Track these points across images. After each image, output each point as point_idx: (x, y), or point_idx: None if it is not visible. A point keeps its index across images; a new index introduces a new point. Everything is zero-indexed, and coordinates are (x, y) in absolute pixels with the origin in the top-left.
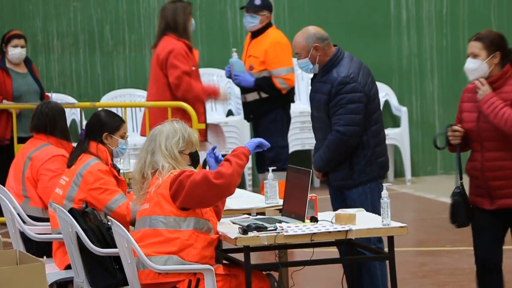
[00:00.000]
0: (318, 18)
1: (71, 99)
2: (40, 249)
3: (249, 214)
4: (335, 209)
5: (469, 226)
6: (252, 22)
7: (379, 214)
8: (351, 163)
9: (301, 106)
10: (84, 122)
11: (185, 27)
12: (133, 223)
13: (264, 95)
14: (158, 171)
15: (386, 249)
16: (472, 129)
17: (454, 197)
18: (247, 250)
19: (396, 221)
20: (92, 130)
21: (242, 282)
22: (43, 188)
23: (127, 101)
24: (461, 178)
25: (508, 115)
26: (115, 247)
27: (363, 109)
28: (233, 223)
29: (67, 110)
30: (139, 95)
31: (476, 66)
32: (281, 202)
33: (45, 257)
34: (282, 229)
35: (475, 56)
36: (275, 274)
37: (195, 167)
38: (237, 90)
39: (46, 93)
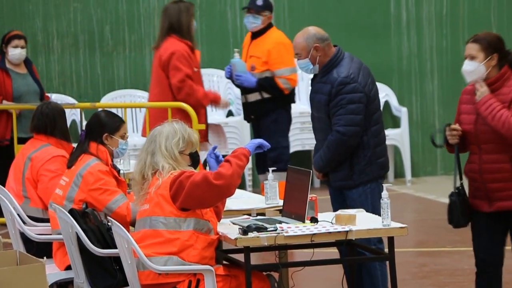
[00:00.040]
0: (318, 18)
1: (71, 100)
2: (40, 249)
3: (249, 214)
4: (335, 210)
5: (468, 227)
6: (255, 22)
7: (379, 215)
8: (351, 163)
9: (301, 107)
10: (84, 123)
11: (188, 28)
12: (133, 224)
13: (266, 95)
14: (158, 171)
15: (386, 250)
16: (470, 131)
17: (451, 198)
18: (247, 250)
19: (396, 222)
20: (92, 131)
21: (242, 283)
22: (43, 188)
23: (127, 101)
24: (461, 179)
25: (506, 117)
26: (115, 247)
27: (363, 109)
28: (233, 223)
29: (67, 111)
30: (139, 96)
31: (474, 68)
32: (281, 202)
33: (45, 257)
34: (282, 230)
35: (472, 58)
36: (275, 275)
37: (195, 168)
38: (237, 91)
39: (46, 94)
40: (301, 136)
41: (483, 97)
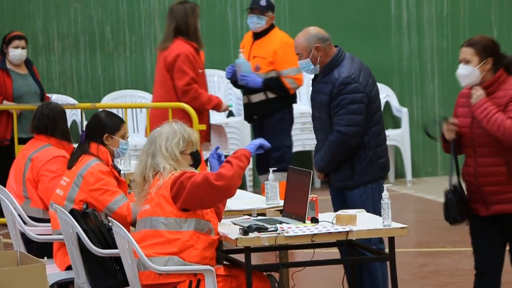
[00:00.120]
0: (318, 18)
1: (71, 100)
2: (40, 250)
3: (250, 215)
4: (335, 210)
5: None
6: (259, 23)
7: (380, 215)
8: (352, 163)
9: (301, 107)
10: (85, 123)
11: (195, 29)
12: (133, 224)
13: (271, 95)
14: (159, 172)
15: (386, 250)
16: (466, 134)
17: (447, 195)
18: (247, 250)
19: (396, 222)
20: (93, 131)
21: (242, 283)
22: (44, 189)
23: (128, 102)
24: (458, 176)
25: (501, 121)
26: (116, 248)
27: (364, 109)
28: (234, 224)
29: (67, 111)
30: (140, 96)
31: (468, 72)
32: (281, 203)
33: (45, 258)
34: (283, 230)
35: (467, 62)
36: (276, 275)
37: (196, 167)
38: (237, 91)
39: (47, 94)
40: (302, 137)
41: (478, 101)
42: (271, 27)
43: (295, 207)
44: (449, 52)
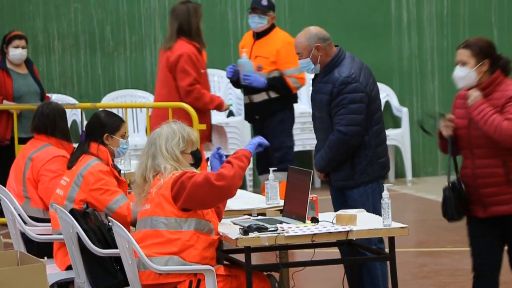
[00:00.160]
0: (318, 18)
1: (71, 100)
2: (41, 249)
3: (250, 214)
4: (336, 210)
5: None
6: (261, 22)
7: (380, 215)
8: (353, 163)
9: (301, 107)
10: (85, 123)
11: (197, 29)
12: (134, 224)
13: (273, 95)
14: (160, 173)
15: (386, 250)
16: (463, 135)
17: (445, 192)
18: (248, 250)
19: (397, 222)
20: (93, 131)
21: (243, 283)
22: (44, 188)
23: (128, 101)
24: (457, 172)
25: (498, 122)
26: (116, 247)
27: (364, 109)
28: (234, 223)
29: (67, 111)
30: (140, 96)
31: (465, 74)
32: (282, 202)
33: (46, 257)
34: (283, 230)
35: (464, 63)
36: (276, 275)
37: (198, 165)
38: (238, 91)
39: (47, 94)
40: (302, 136)
41: (475, 102)
42: (272, 27)
43: (295, 207)
44: (449, 52)
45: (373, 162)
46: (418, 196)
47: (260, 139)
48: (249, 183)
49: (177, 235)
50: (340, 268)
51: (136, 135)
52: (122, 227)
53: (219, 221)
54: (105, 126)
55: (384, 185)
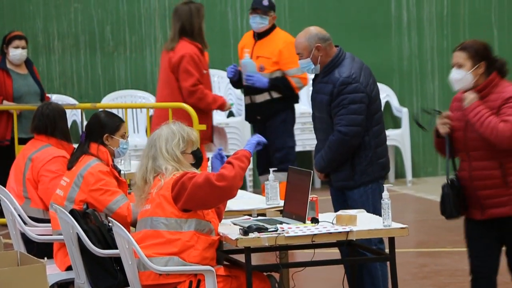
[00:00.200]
0: (318, 18)
1: (72, 100)
2: (41, 250)
3: (250, 215)
4: (336, 210)
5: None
6: (262, 23)
7: (380, 215)
8: (353, 163)
9: (301, 107)
10: (85, 123)
11: (199, 30)
12: (134, 224)
13: (276, 95)
14: (160, 173)
15: (387, 250)
16: (459, 138)
17: (443, 189)
18: (248, 251)
19: (397, 222)
20: (92, 132)
21: (243, 283)
22: (44, 189)
23: (128, 102)
24: (454, 169)
25: (494, 124)
26: (116, 248)
27: (365, 109)
28: (234, 224)
29: (68, 111)
30: (140, 96)
31: (461, 77)
32: (282, 203)
33: (46, 258)
34: (283, 230)
35: (460, 66)
36: (276, 275)
37: (199, 165)
38: (237, 92)
39: (47, 94)
40: (302, 137)
41: (471, 104)
42: (273, 27)
43: (295, 207)
44: (449, 52)
45: (373, 163)
46: (418, 196)
47: (258, 137)
48: (249, 183)
49: (177, 235)
50: (340, 268)
51: (136, 136)
52: (122, 227)
53: (219, 222)
54: (105, 127)
55: (384, 185)
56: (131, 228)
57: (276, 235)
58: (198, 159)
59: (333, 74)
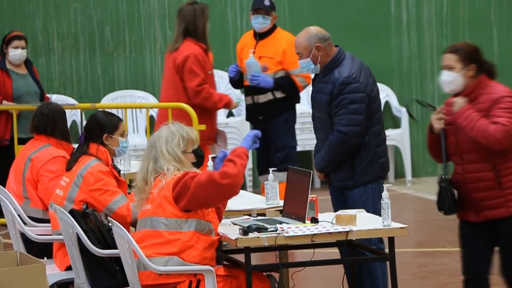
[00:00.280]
0: (318, 18)
1: (71, 100)
2: (40, 250)
3: (250, 215)
4: (335, 210)
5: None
6: (264, 23)
7: (380, 215)
8: (353, 163)
9: (301, 107)
10: (85, 123)
11: (203, 31)
12: (133, 224)
13: (279, 95)
14: (161, 174)
15: (386, 250)
16: (451, 142)
17: (441, 184)
18: (247, 251)
19: (396, 222)
20: (92, 133)
21: (242, 283)
22: (44, 189)
23: (128, 102)
24: (447, 160)
25: (485, 127)
26: (116, 248)
27: (365, 109)
28: (234, 224)
29: (67, 111)
30: (140, 96)
31: (451, 79)
32: (281, 203)
33: (45, 258)
34: (283, 230)
35: (450, 68)
36: (276, 275)
37: (200, 164)
38: (237, 91)
39: (46, 94)
40: (301, 137)
41: (460, 109)
42: (274, 27)
43: (295, 207)
44: None
45: (373, 162)
46: (417, 196)
47: (253, 132)
48: (249, 183)
49: (177, 235)
50: (340, 268)
51: (135, 136)
52: (122, 227)
53: (219, 222)
54: (104, 127)
55: (383, 185)
56: (131, 228)
57: (276, 235)
58: (199, 158)
59: (333, 74)
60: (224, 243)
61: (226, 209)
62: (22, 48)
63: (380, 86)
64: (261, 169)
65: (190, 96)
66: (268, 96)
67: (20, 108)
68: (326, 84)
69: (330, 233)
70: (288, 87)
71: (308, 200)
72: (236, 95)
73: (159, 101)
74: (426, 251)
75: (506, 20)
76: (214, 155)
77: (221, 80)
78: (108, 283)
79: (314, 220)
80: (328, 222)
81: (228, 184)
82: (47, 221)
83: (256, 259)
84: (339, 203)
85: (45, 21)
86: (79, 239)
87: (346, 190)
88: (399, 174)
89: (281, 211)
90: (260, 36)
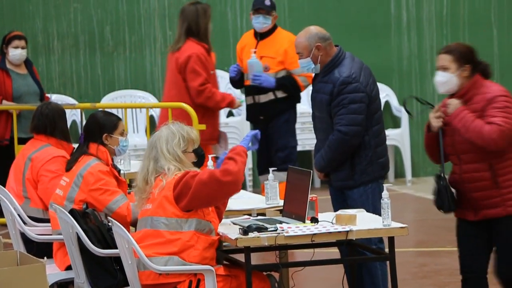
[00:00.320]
0: (318, 18)
1: (71, 100)
2: (40, 250)
3: (250, 214)
4: (335, 210)
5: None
6: (266, 22)
7: (380, 215)
8: (353, 163)
9: (301, 107)
10: (85, 123)
11: (206, 31)
12: (133, 224)
13: (280, 95)
14: (162, 173)
15: (386, 250)
16: (448, 143)
17: (440, 181)
18: (247, 250)
19: (396, 222)
20: (91, 133)
21: (242, 283)
22: (44, 189)
23: (128, 102)
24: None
25: (480, 128)
26: (116, 248)
27: (365, 109)
28: (234, 223)
29: (67, 111)
30: (140, 96)
31: (446, 79)
32: (281, 202)
33: (45, 258)
34: (283, 230)
35: (445, 69)
36: (276, 275)
37: (201, 163)
38: (237, 91)
39: (46, 94)
40: (301, 136)
41: (455, 110)
42: (275, 27)
43: (295, 207)
44: None
45: (373, 162)
46: (417, 196)
47: (252, 133)
48: (249, 183)
49: (177, 235)
50: (340, 268)
51: (135, 136)
52: (122, 227)
53: (219, 222)
54: (103, 126)
55: (383, 185)
56: (131, 228)
57: (276, 234)
58: (200, 157)
59: (333, 73)
60: (224, 243)
61: (226, 209)
62: (22, 48)
63: (380, 86)
64: (261, 168)
65: (193, 95)
66: (270, 96)
67: (20, 108)
68: (326, 84)
69: (330, 233)
70: (290, 87)
71: (308, 200)
72: (236, 95)
73: (159, 101)
74: (426, 250)
75: (506, 20)
76: (214, 155)
77: (221, 80)
78: (108, 283)
79: (314, 220)
80: (328, 222)
81: (230, 181)
82: (47, 221)
83: (256, 259)
84: (339, 203)
85: (45, 21)
86: (79, 239)
87: (346, 190)
88: (399, 174)
89: (281, 211)
90: (261, 36)
